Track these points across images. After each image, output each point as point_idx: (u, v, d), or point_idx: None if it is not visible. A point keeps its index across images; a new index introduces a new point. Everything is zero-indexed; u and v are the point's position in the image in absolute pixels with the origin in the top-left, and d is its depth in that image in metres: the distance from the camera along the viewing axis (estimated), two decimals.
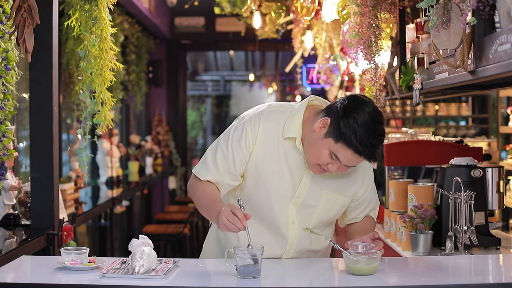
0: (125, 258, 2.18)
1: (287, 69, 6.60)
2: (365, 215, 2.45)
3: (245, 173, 2.29)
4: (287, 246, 2.33)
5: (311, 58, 6.41)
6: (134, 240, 2.16)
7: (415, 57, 3.18)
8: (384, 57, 3.44)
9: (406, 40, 3.41)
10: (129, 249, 2.15)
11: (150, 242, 2.18)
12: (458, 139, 3.63)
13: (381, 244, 2.21)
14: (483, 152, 3.35)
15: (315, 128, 2.17)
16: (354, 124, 2.09)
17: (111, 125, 2.95)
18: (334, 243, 2.19)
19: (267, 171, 2.26)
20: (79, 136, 3.02)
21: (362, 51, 3.25)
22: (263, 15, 5.38)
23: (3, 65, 2.49)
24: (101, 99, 2.87)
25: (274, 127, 2.25)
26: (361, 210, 2.43)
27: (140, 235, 2.19)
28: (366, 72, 3.37)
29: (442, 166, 2.92)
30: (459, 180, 2.59)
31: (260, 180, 2.28)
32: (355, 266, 2.06)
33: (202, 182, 2.30)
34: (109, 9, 2.88)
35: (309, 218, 2.32)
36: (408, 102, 7.65)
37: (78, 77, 2.96)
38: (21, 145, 4.31)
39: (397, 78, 3.42)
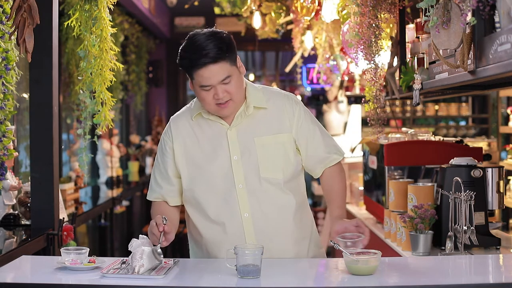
0: (125, 258, 2.18)
1: (287, 69, 6.60)
2: (331, 155, 2.46)
3: (180, 173, 2.42)
4: (240, 211, 2.33)
5: (311, 58, 6.41)
6: (134, 240, 2.16)
7: (415, 57, 3.18)
8: (384, 57, 3.43)
9: (406, 40, 3.41)
10: (129, 249, 2.15)
11: (150, 242, 2.18)
12: (458, 139, 3.63)
13: (367, 231, 2.25)
14: (483, 152, 3.35)
15: (190, 88, 2.39)
16: (179, 54, 2.30)
17: (111, 125, 2.96)
18: (335, 243, 2.19)
19: (195, 155, 2.39)
20: (79, 134, 3.02)
21: (362, 51, 3.25)
22: (263, 15, 5.38)
23: (3, 65, 2.49)
24: (101, 99, 2.87)
25: (184, 120, 2.44)
26: (320, 150, 2.45)
27: (140, 235, 2.19)
28: (366, 72, 3.37)
29: (442, 166, 2.92)
30: (459, 180, 2.59)
31: (193, 168, 2.39)
32: (355, 266, 2.06)
33: (153, 208, 2.48)
34: (109, 9, 2.88)
35: (257, 170, 2.35)
36: (408, 102, 7.65)
37: (78, 77, 2.96)
38: (21, 145, 4.31)
39: (397, 78, 3.42)
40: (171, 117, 2.52)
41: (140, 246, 2.12)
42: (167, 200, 2.47)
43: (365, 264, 2.06)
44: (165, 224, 2.19)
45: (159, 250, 2.13)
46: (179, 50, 2.32)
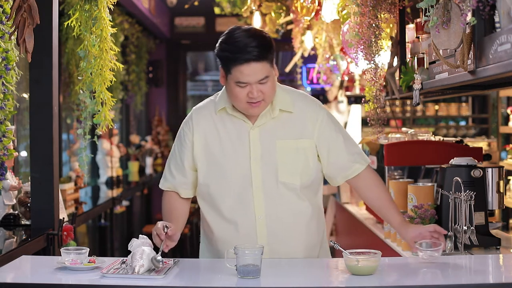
0: (125, 258, 2.18)
1: (287, 69, 6.59)
2: (353, 165, 2.42)
3: (197, 166, 2.40)
4: (255, 212, 2.32)
5: (311, 58, 6.41)
6: (134, 240, 2.16)
7: (415, 57, 3.18)
8: (384, 57, 3.43)
9: (406, 40, 3.41)
10: (129, 249, 2.15)
11: (150, 242, 2.18)
12: (458, 139, 3.63)
13: (442, 236, 2.28)
14: (483, 152, 3.35)
15: (221, 82, 2.37)
16: (219, 47, 2.30)
17: (111, 125, 2.95)
18: (334, 243, 2.19)
19: (215, 150, 2.37)
20: (79, 134, 3.02)
21: (362, 51, 3.25)
22: (263, 15, 5.38)
23: (3, 65, 2.49)
24: (101, 99, 2.87)
25: (206, 113, 2.41)
26: (341, 158, 2.41)
27: (140, 235, 2.20)
28: (366, 72, 3.37)
29: (442, 166, 2.92)
30: (459, 180, 2.59)
31: (211, 163, 2.37)
32: (355, 266, 2.06)
33: (164, 198, 2.49)
34: (109, 9, 2.88)
35: (275, 173, 2.33)
36: (408, 102, 7.65)
37: (78, 77, 2.95)
38: (21, 145, 4.31)
39: (397, 78, 3.42)
40: (194, 107, 2.48)
41: (140, 246, 2.12)
42: (179, 191, 2.45)
43: (365, 264, 2.06)
44: (166, 232, 2.18)
45: (159, 257, 2.12)
46: (219, 42, 2.30)
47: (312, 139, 2.38)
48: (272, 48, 2.29)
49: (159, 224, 2.22)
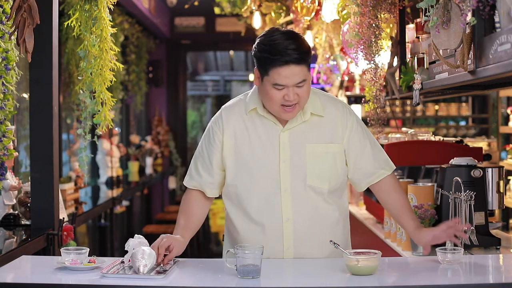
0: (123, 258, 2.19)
1: None
2: (378, 171, 2.40)
3: (225, 167, 2.38)
4: (283, 215, 2.31)
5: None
6: (130, 240, 2.16)
7: (415, 57, 3.18)
8: (384, 57, 3.43)
9: (406, 40, 3.41)
10: (125, 249, 2.15)
11: (146, 241, 2.18)
12: (458, 139, 3.63)
13: (459, 232, 2.26)
14: (483, 152, 3.35)
15: (255, 84, 2.33)
16: (258, 48, 2.26)
17: (111, 125, 2.95)
18: (334, 243, 2.19)
19: (244, 151, 2.35)
20: (79, 134, 3.02)
21: (362, 51, 3.26)
22: (263, 15, 5.38)
23: (3, 65, 2.49)
24: (101, 99, 2.87)
25: (236, 113, 2.38)
26: (368, 164, 2.39)
27: (136, 235, 2.20)
28: (366, 72, 3.37)
29: (442, 166, 2.92)
30: (459, 180, 2.59)
31: (240, 164, 2.35)
32: (355, 266, 2.06)
33: (186, 196, 2.44)
34: (109, 9, 2.88)
35: (304, 176, 2.32)
36: (408, 102, 7.65)
37: (78, 77, 2.95)
38: (21, 145, 4.31)
39: (397, 78, 3.42)
40: (223, 106, 2.44)
41: (139, 246, 2.12)
42: (205, 190, 2.41)
43: (365, 264, 2.06)
44: (165, 255, 2.20)
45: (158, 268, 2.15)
46: (257, 43, 2.27)
47: (342, 144, 2.37)
48: (309, 52, 2.26)
49: (163, 243, 2.21)
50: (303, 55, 2.22)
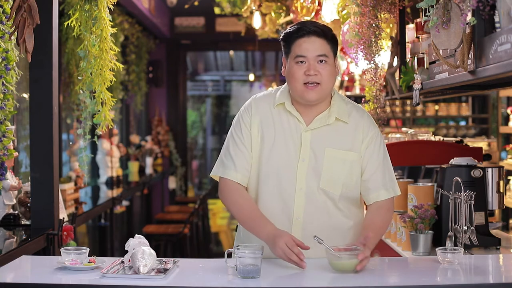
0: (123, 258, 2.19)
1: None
2: (380, 191, 2.37)
3: (252, 150, 2.38)
4: (294, 213, 2.31)
5: None
6: (130, 240, 2.16)
7: (415, 57, 3.18)
8: (384, 57, 3.44)
9: (406, 40, 3.41)
10: (125, 249, 2.15)
11: (147, 241, 2.18)
12: (458, 139, 3.63)
13: (366, 253, 2.14)
14: (483, 152, 3.35)
15: (282, 73, 2.40)
16: (284, 31, 2.38)
17: (111, 125, 2.95)
18: (318, 238, 2.18)
19: (268, 143, 2.36)
20: (79, 134, 3.02)
21: (362, 51, 3.26)
22: (263, 15, 5.38)
23: (3, 65, 2.49)
24: (101, 99, 2.87)
25: (265, 105, 2.42)
26: (373, 178, 2.37)
27: (136, 235, 2.20)
28: (366, 72, 3.37)
29: (442, 166, 2.92)
30: (459, 180, 2.59)
31: (261, 154, 2.36)
32: (337, 262, 2.08)
33: (232, 190, 2.37)
34: (109, 9, 2.88)
35: (318, 178, 2.32)
36: (408, 102, 7.65)
37: (78, 77, 2.96)
38: (21, 145, 4.31)
39: (397, 78, 3.42)
40: (253, 96, 2.48)
41: (139, 246, 2.12)
42: (238, 177, 2.36)
43: (348, 260, 2.07)
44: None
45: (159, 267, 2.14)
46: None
47: (359, 153, 2.37)
48: (334, 37, 2.35)
49: (288, 237, 2.15)
50: (325, 30, 2.32)
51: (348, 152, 2.35)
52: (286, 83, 2.41)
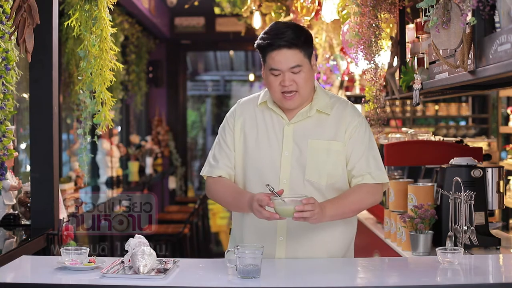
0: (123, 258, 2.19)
1: None
2: (359, 177, 2.37)
3: (235, 150, 2.44)
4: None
5: None
6: (130, 240, 2.16)
7: (415, 57, 3.18)
8: (384, 57, 3.43)
9: (406, 40, 3.41)
10: (125, 248, 2.15)
11: (147, 241, 2.18)
12: (458, 139, 3.63)
13: (310, 201, 2.17)
14: (483, 152, 3.35)
15: (262, 75, 2.44)
16: (259, 38, 2.40)
17: (111, 125, 2.95)
18: (270, 186, 2.19)
19: (250, 141, 2.42)
20: (79, 134, 3.02)
21: (362, 51, 3.26)
22: (263, 15, 5.38)
23: (3, 65, 2.49)
24: (101, 99, 2.87)
25: (250, 105, 2.48)
26: (358, 165, 2.37)
27: (136, 235, 2.20)
28: (366, 72, 3.37)
29: (442, 166, 2.92)
30: (459, 180, 2.59)
31: (246, 152, 2.42)
32: (280, 207, 2.13)
33: (215, 181, 2.45)
34: (109, 9, 2.88)
35: (303, 170, 2.35)
36: (408, 102, 7.65)
37: (78, 77, 2.96)
38: (21, 145, 4.31)
39: (397, 78, 3.42)
40: (239, 101, 2.55)
41: (139, 246, 2.12)
42: (223, 174, 2.44)
43: (291, 205, 2.11)
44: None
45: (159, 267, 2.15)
46: (260, 34, 2.40)
47: (344, 143, 2.39)
48: (308, 39, 2.35)
49: (258, 194, 2.19)
50: (296, 40, 2.30)
51: (331, 142, 2.37)
52: None
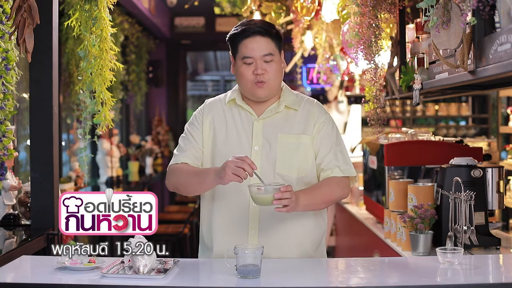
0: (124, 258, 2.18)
1: (287, 69, 6.58)
2: (328, 171, 2.41)
3: (204, 147, 2.48)
4: (250, 201, 2.30)
5: (311, 58, 6.41)
6: (131, 240, 2.16)
7: (415, 57, 3.18)
8: (384, 57, 3.43)
9: (406, 40, 3.40)
10: (125, 248, 2.15)
11: (147, 241, 2.18)
12: (458, 139, 3.63)
13: (288, 188, 2.19)
14: (483, 152, 3.35)
15: (231, 72, 2.48)
16: (230, 32, 2.44)
17: (111, 125, 2.95)
18: (255, 172, 2.19)
19: (220, 138, 2.45)
20: (79, 134, 3.02)
21: (362, 51, 3.25)
22: (263, 15, 5.37)
23: (3, 65, 2.49)
24: (101, 99, 2.87)
25: (218, 104, 2.52)
26: (326, 159, 2.42)
27: (136, 235, 2.20)
28: (366, 72, 3.37)
29: (442, 166, 2.92)
30: (459, 180, 2.59)
31: (215, 148, 2.44)
32: (257, 195, 2.14)
33: (177, 166, 2.47)
34: (109, 9, 2.88)
35: (273, 164, 2.39)
36: (408, 102, 7.65)
37: (78, 77, 2.96)
38: (21, 145, 4.31)
39: (397, 78, 3.42)
40: (206, 100, 2.59)
41: (139, 246, 2.12)
42: (189, 162, 2.46)
43: (269, 193, 2.12)
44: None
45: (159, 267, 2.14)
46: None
47: (312, 136, 2.44)
48: (278, 34, 2.42)
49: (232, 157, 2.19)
50: (269, 29, 2.38)
51: (300, 135, 2.43)
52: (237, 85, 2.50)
